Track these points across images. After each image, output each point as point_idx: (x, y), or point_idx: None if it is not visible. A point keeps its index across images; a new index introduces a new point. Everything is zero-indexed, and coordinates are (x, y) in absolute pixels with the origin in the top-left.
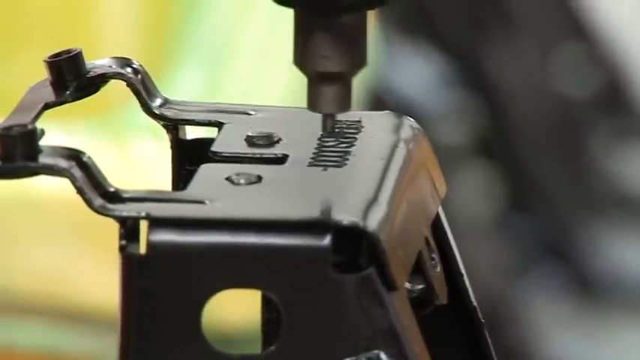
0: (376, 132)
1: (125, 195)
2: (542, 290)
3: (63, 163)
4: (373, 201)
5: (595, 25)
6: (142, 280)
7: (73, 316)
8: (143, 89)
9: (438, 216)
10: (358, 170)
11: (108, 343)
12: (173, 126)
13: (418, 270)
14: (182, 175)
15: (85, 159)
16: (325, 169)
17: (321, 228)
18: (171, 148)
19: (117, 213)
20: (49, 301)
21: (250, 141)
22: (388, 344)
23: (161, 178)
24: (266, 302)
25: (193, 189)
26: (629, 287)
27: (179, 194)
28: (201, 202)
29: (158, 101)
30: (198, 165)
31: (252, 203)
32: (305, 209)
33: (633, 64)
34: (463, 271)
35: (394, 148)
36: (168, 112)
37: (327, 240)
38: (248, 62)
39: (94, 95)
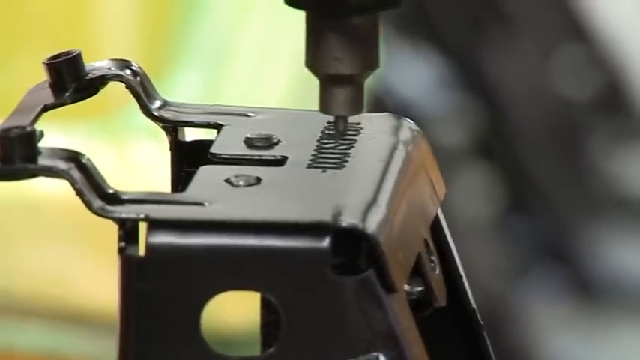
0: (375, 134)
1: (124, 197)
2: (542, 292)
3: (62, 165)
4: (372, 203)
5: (594, 27)
6: (141, 282)
7: (73, 318)
8: (142, 91)
9: (437, 218)
10: (357, 172)
11: (107, 344)
12: (172, 128)
13: (417, 272)
14: (181, 177)
15: (84, 161)
16: (324, 171)
17: (320, 230)
18: (171, 149)
19: (116, 215)
20: (48, 302)
21: (249, 143)
22: (387, 346)
23: (160, 180)
24: (265, 304)
25: (192, 191)
26: (629, 289)
27: (178, 196)
28: (201, 204)
29: (157, 103)
30: (197, 167)
31: (251, 205)
32: (304, 211)
33: (633, 66)
34: (462, 272)
35: (393, 150)
36: (167, 114)
37: (326, 242)
38: (247, 64)
39: (93, 97)
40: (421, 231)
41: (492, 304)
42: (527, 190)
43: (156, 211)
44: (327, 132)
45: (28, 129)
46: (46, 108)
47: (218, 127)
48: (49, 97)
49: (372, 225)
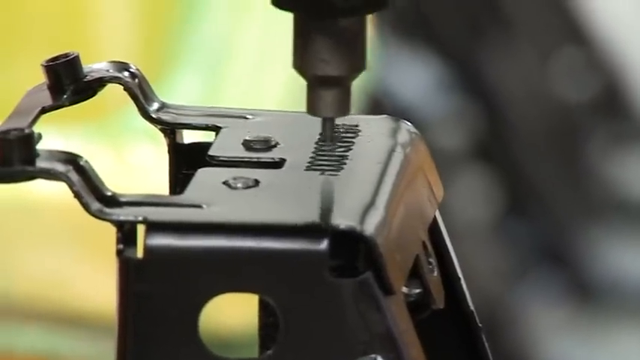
0: (373, 136)
1: (122, 199)
2: (540, 294)
3: (60, 167)
4: (370, 205)
5: (593, 30)
6: (139, 284)
7: (71, 320)
8: (140, 93)
9: (435, 220)
10: (355, 174)
11: (105, 347)
12: (170, 130)
13: (415, 274)
14: (179, 179)
15: (82, 163)
16: (322, 174)
17: (318, 232)
18: (169, 152)
19: (114, 217)
20: (47, 305)
21: (248, 145)
22: (385, 349)
23: (158, 183)
24: (263, 306)
25: (191, 193)
26: (628, 291)
27: (176, 198)
28: (199, 207)
29: (155, 105)
30: (195, 169)
31: (249, 207)
32: (302, 213)
33: (631, 68)
34: (460, 275)
35: (391, 152)
36: (165, 117)
37: (324, 244)
38: (246, 66)
39: (91, 99)
40: (419, 233)
41: (491, 307)
42: (526, 193)
43: (154, 213)
44: (321, 131)
45: (26, 131)
46: (44, 110)
47: (216, 129)
48: (47, 99)
49: (369, 227)
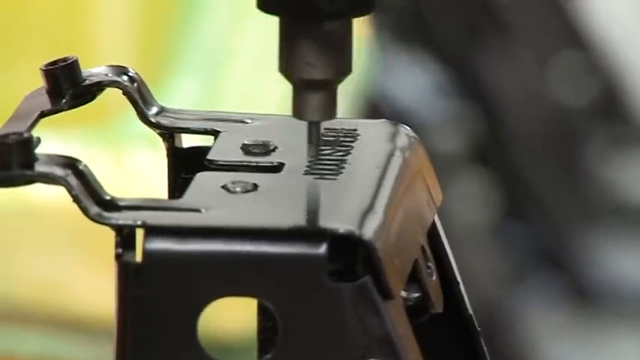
0: (372, 140)
1: (121, 203)
2: (539, 299)
3: (59, 172)
4: (369, 209)
5: (591, 34)
6: (137, 289)
7: (70, 324)
8: (139, 97)
9: (434, 224)
10: (354, 179)
11: (104, 351)
12: (169, 134)
13: (414, 278)
14: (178, 184)
15: (81, 167)
16: (321, 178)
17: (316, 236)
18: (168, 156)
19: (113, 221)
20: (46, 309)
21: (246, 149)
22: (384, 353)
23: (157, 187)
24: (262, 310)
25: (189, 197)
26: (626, 296)
27: (175, 202)
28: (197, 211)
29: (154, 109)
30: (194, 173)
31: (248, 211)
32: (301, 217)
33: (630, 72)
34: (459, 279)
35: (390, 156)
36: (164, 121)
37: (322, 248)
38: (244, 70)
39: (90, 103)
40: (418, 237)
41: (489, 311)
42: (524, 197)
43: (153, 217)
44: (323, 138)
45: (25, 135)
46: (43, 114)
47: (215, 133)
48: (45, 103)
49: (368, 231)
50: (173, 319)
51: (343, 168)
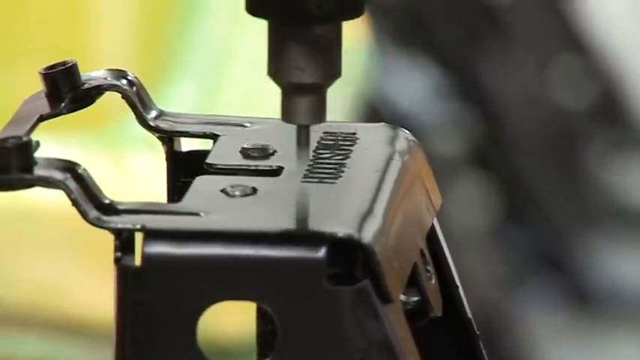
0: (371, 144)
1: (120, 207)
2: (538, 302)
3: (58, 175)
4: (368, 213)
5: (591, 38)
6: (136, 292)
7: (69, 328)
8: (138, 101)
9: (433, 228)
10: (353, 182)
11: (103, 354)
12: (168, 138)
13: (413, 282)
14: (177, 187)
15: (80, 171)
16: (320, 181)
17: (316, 240)
18: (167, 160)
19: (112, 225)
20: (45, 312)
21: (245, 153)
22: (383, 357)
23: (156, 190)
24: (261, 314)
25: (188, 201)
26: (626, 299)
27: (174, 206)
28: (197, 214)
29: (153, 113)
30: (193, 177)
31: (247, 215)
32: (300, 221)
33: (629, 76)
34: (458, 282)
35: (389, 160)
36: (163, 124)
37: (322, 252)
38: (243, 74)
39: (89, 107)
40: (417, 241)
41: (489, 314)
42: (524, 200)
43: (152, 221)
44: (322, 142)
45: (24, 139)
46: (42, 118)
47: (214, 137)
48: (44, 107)
49: (367, 235)
50: (172, 322)
51: (342, 172)
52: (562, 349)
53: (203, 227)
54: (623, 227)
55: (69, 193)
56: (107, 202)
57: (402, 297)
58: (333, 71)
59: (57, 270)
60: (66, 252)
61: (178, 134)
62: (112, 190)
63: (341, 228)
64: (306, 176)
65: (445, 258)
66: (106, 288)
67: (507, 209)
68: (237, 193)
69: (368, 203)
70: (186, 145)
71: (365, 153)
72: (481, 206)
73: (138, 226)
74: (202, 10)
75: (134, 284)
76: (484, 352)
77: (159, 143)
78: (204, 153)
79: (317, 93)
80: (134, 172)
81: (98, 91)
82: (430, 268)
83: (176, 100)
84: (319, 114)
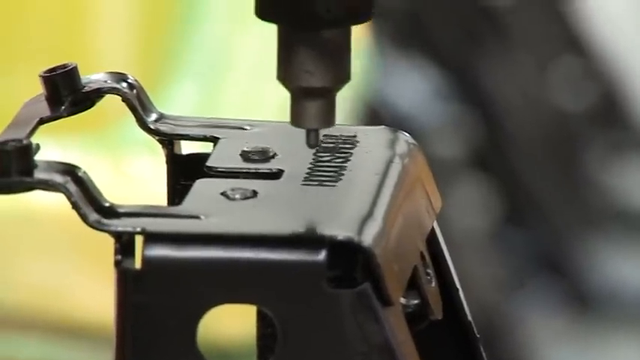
0: (371, 147)
1: (120, 210)
2: (538, 304)
3: (58, 178)
4: (368, 216)
5: (591, 40)
6: (137, 295)
7: (70, 331)
8: (138, 104)
9: (433, 231)
10: (353, 185)
11: (104, 357)
12: (168, 141)
13: (413, 285)
14: (177, 190)
15: (80, 174)
16: (320, 184)
17: (316, 243)
18: (167, 163)
19: (112, 228)
20: (45, 315)
21: (246, 156)
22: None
23: (156, 193)
24: (261, 317)
25: (189, 204)
26: (626, 302)
27: (174, 209)
28: (197, 217)
29: (153, 116)
30: (193, 180)
31: (247, 218)
32: (300, 224)
33: (629, 78)
34: (458, 285)
35: (389, 163)
36: (163, 127)
37: (322, 255)
38: (244, 76)
39: (89, 110)
40: (417, 244)
41: (489, 317)
42: (524, 202)
43: (152, 224)
44: (323, 145)
45: (25, 142)
46: (42, 121)
47: (214, 140)
48: (45, 110)
49: (367, 238)
50: (172, 325)
51: (342, 175)
52: (562, 351)
53: (203, 230)
54: (623, 230)
55: (69, 196)
56: (107, 205)
57: (402, 300)
58: (342, 75)
59: (57, 273)
60: (66, 255)
61: (178, 137)
62: (112, 193)
63: (341, 231)
64: (306, 179)
65: (445, 261)
66: (107, 291)
67: (507, 211)
68: (237, 196)
69: (368, 206)
70: (187, 148)
71: (365, 156)
72: (481, 208)
73: (138, 229)
74: (203, 11)
75: (134, 287)
76: (484, 354)
77: (159, 146)
78: (205, 156)
79: (326, 97)
80: (134, 175)
81: (98, 94)
82: (430, 270)
83: (176, 101)
84: (328, 118)
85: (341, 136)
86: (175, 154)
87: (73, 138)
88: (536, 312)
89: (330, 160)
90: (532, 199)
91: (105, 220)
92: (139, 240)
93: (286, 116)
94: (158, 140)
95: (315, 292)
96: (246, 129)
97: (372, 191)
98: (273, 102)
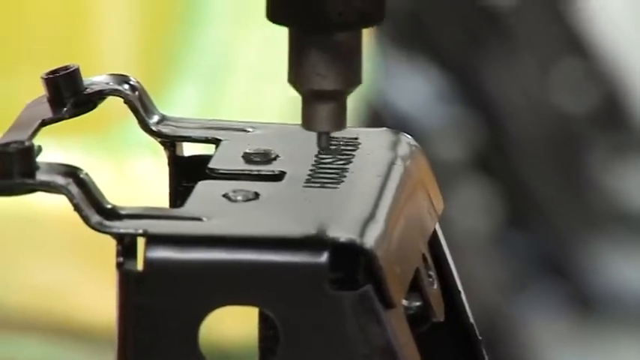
0: (373, 149)
1: (122, 212)
2: (541, 307)
3: (60, 180)
4: (370, 218)
5: (593, 42)
6: (139, 297)
7: (71, 332)
8: (140, 106)
9: (435, 233)
10: (355, 187)
11: (105, 359)
12: (170, 143)
13: (415, 287)
14: (179, 192)
15: (82, 176)
16: (322, 186)
17: (318, 245)
18: (169, 164)
19: (114, 230)
20: (47, 317)
21: (248, 158)
22: None
23: (158, 195)
24: (263, 318)
25: (191, 206)
26: (629, 304)
27: (176, 211)
28: (199, 219)
29: (155, 118)
30: (195, 182)
31: (249, 220)
32: (302, 226)
33: (631, 80)
34: (460, 288)
35: (391, 165)
36: (165, 129)
37: (324, 257)
38: (245, 78)
39: (91, 112)
40: (419, 246)
41: (491, 319)
42: (526, 205)
43: (154, 226)
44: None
45: (26, 144)
46: (44, 123)
47: (216, 142)
48: (47, 112)
49: (369, 240)
50: (174, 327)
51: (344, 177)
52: (565, 354)
53: (205, 232)
54: (625, 232)
55: (71, 198)
56: (109, 206)
57: (405, 302)
58: (353, 78)
59: (59, 274)
60: (68, 257)
61: (181, 139)
62: (114, 195)
63: (343, 233)
64: (308, 181)
65: (447, 263)
66: (108, 293)
67: (509, 214)
68: (239, 198)
69: (370, 208)
70: (189, 149)
71: (367, 158)
72: (483, 211)
73: (140, 231)
74: (205, 14)
75: (136, 289)
76: (486, 357)
77: (161, 148)
78: (207, 158)
79: (337, 100)
80: (136, 177)
81: (100, 95)
82: (432, 273)
83: (178, 103)
84: (340, 121)
85: (343, 138)
86: (177, 155)
87: (75, 140)
88: (539, 314)
89: (332, 162)
90: (534, 202)
91: (107, 222)
92: (141, 242)
93: (288, 118)
94: (160, 142)
95: (317, 294)
96: (248, 131)
97: (374, 193)
98: (275, 104)
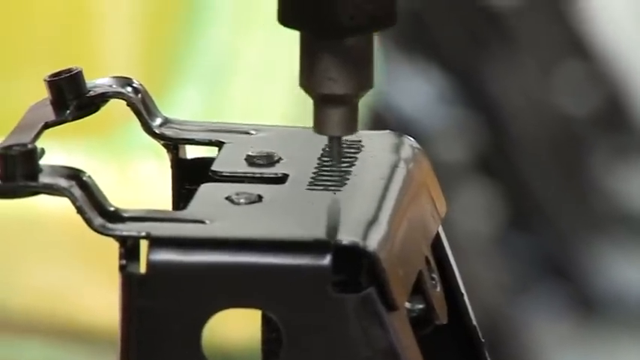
0: (376, 152)
1: (125, 214)
2: (543, 308)
3: (63, 183)
4: (373, 220)
5: (595, 43)
6: (141, 300)
7: (73, 335)
8: (143, 108)
9: (438, 235)
10: (358, 190)
11: None
12: (173, 145)
13: (418, 289)
14: (182, 195)
15: (85, 178)
16: (325, 189)
17: (321, 247)
18: (172, 167)
19: (117, 232)
20: (49, 319)
21: (251, 160)
22: None
23: (161, 198)
24: (266, 321)
25: (193, 208)
26: (631, 306)
27: (179, 214)
28: (202, 222)
29: (158, 120)
30: (198, 184)
31: (252, 223)
32: (305, 229)
33: (633, 81)
34: (463, 290)
35: (394, 167)
36: (168, 132)
37: (327, 259)
38: (248, 81)
39: (94, 115)
40: (422, 248)
41: (493, 321)
42: (528, 206)
43: (157, 228)
44: (328, 150)
45: (29, 146)
46: (47, 125)
47: (219, 144)
48: (49, 114)
49: (372, 242)
50: (177, 330)
51: (347, 179)
52: (567, 355)
53: (208, 235)
54: (627, 233)
55: (74, 201)
56: (112, 209)
57: (407, 304)
58: (364, 82)
59: (62, 277)
60: (71, 259)
61: (183, 142)
62: (117, 198)
63: (346, 235)
64: (311, 184)
65: (450, 265)
66: (111, 295)
67: (512, 216)
68: (242, 200)
69: (373, 211)
70: (192, 152)
71: (370, 160)
72: (485, 212)
73: (143, 234)
74: (208, 16)
75: (139, 292)
76: (489, 359)
77: (164, 150)
78: (210, 160)
79: (349, 104)
80: (139, 180)
81: (103, 98)
82: (435, 275)
83: (181, 105)
84: (351, 125)
85: (346, 140)
86: (180, 158)
87: (77, 142)
88: (541, 316)
89: (335, 165)
90: (536, 203)
91: (110, 225)
92: (143, 244)
93: (290, 120)
94: (163, 145)
95: (320, 296)
96: (251, 133)
97: (377, 196)
98: (278, 106)
